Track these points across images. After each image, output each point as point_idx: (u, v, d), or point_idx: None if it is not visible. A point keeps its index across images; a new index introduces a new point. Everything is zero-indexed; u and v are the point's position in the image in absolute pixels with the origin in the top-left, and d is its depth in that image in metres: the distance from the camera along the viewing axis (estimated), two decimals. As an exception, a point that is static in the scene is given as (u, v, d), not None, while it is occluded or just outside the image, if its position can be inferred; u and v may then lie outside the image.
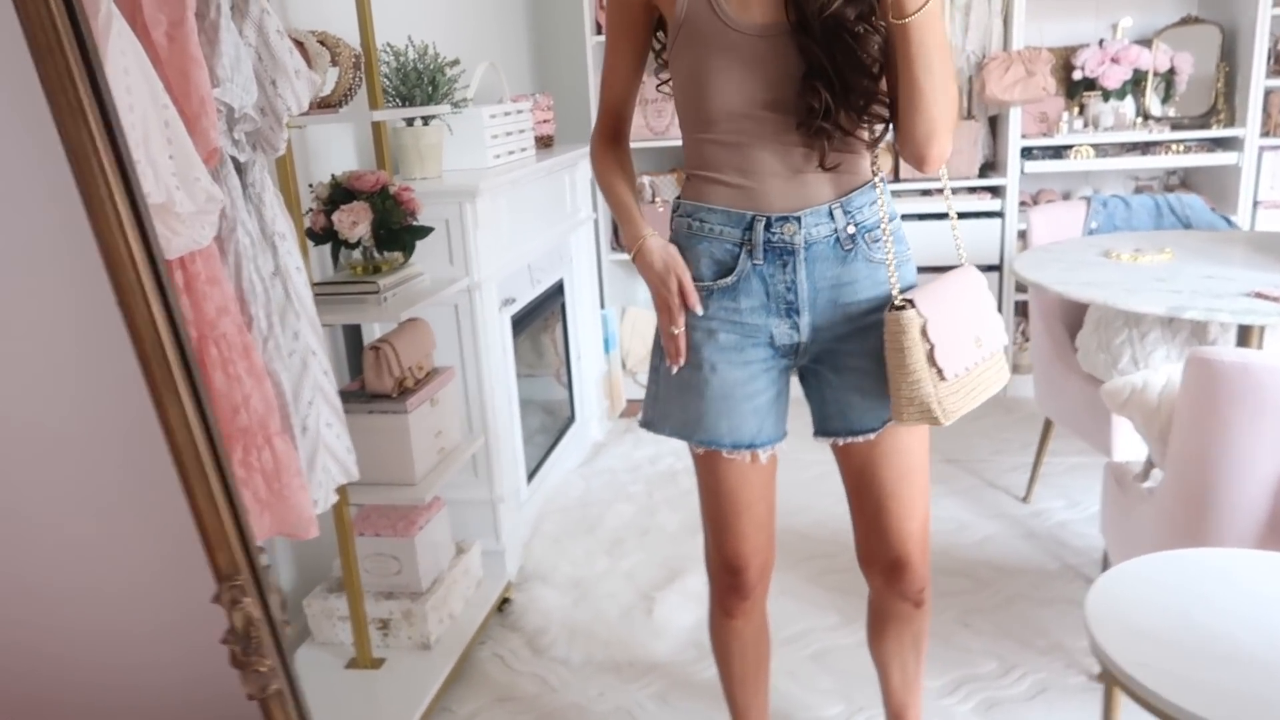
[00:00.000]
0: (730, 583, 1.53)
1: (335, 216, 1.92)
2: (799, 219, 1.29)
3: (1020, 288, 3.64)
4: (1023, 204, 3.63)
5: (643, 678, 2.15)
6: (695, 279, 1.36)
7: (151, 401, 0.63)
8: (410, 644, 2.15)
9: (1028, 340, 3.74)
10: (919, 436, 1.40)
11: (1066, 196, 3.79)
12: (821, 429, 1.43)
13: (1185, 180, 3.77)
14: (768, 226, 1.30)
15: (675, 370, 1.40)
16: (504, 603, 2.45)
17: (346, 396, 2.02)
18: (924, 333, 1.25)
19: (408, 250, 2.03)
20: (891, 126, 1.28)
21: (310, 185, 2.00)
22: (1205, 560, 1.24)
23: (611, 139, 1.48)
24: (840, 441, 1.42)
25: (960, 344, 1.29)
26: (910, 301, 1.26)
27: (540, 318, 3.11)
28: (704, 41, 1.27)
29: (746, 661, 1.64)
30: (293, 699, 0.76)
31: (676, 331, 1.36)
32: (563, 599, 2.45)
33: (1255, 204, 3.41)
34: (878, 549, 1.48)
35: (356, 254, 2.02)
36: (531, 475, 2.92)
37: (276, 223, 1.58)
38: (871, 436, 1.38)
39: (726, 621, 1.60)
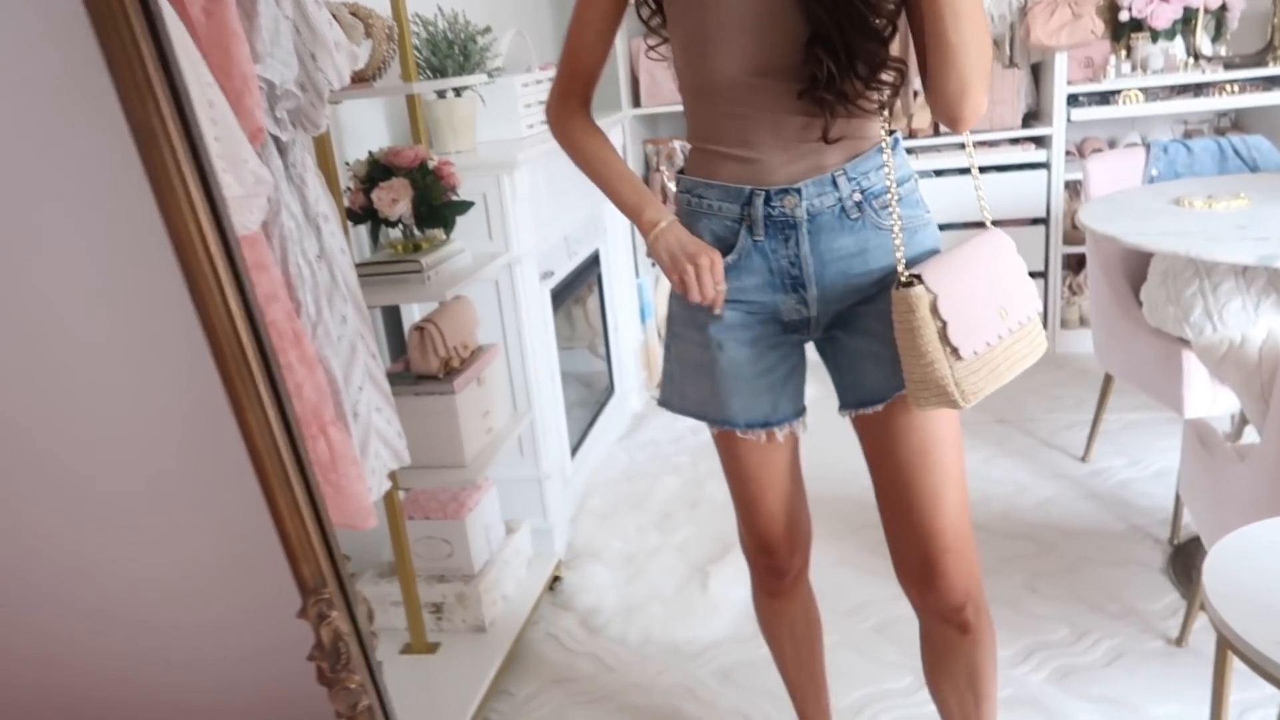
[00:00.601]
0: (765, 564, 1.49)
1: (375, 194, 1.86)
2: (799, 190, 1.20)
3: (1069, 239, 3.54)
4: (1067, 154, 3.51)
5: (702, 654, 2.11)
6: None
7: (229, 404, 0.57)
8: (465, 627, 2.11)
9: (1075, 294, 3.64)
10: (942, 415, 1.26)
11: (1113, 145, 3.66)
12: (841, 400, 1.32)
13: (1237, 122, 3.63)
14: (767, 200, 1.21)
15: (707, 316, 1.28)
16: (555, 581, 2.41)
17: (392, 379, 1.97)
18: (934, 309, 1.14)
19: (449, 227, 1.97)
20: (922, 81, 1.17)
21: (347, 163, 1.94)
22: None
23: (579, 106, 1.35)
24: (854, 413, 1.30)
25: (980, 317, 1.18)
26: (918, 277, 1.15)
27: (576, 290, 3.04)
28: (702, 4, 1.18)
29: (797, 641, 1.59)
30: (383, 714, 0.71)
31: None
32: (615, 576, 2.41)
33: (1314, 144, 3.27)
34: (903, 550, 1.33)
35: (396, 232, 1.97)
36: (575, 450, 2.88)
37: (320, 204, 1.53)
38: (880, 408, 1.26)
39: (769, 602, 1.55)
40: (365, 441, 1.60)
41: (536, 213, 2.43)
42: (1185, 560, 2.19)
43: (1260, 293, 1.99)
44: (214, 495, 0.63)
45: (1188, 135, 3.61)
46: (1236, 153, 2.44)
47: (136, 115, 0.51)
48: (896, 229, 1.21)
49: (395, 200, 1.85)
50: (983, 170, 3.45)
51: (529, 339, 2.36)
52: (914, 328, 1.14)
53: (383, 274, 1.89)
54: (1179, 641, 1.95)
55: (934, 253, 1.26)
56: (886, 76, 1.15)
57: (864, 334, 1.26)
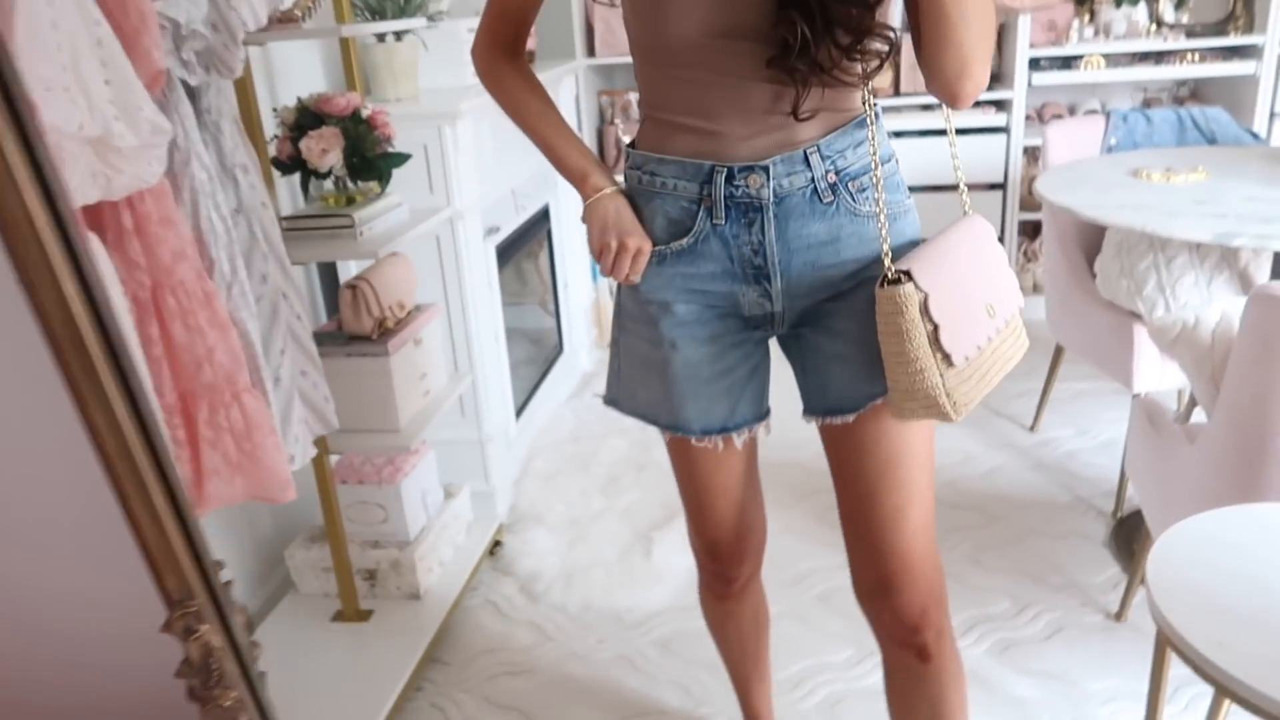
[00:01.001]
0: (714, 568, 1.40)
1: (303, 144, 1.75)
2: (766, 168, 1.06)
3: (1026, 206, 3.51)
4: (1027, 119, 3.47)
5: (643, 623, 2.07)
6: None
7: (73, 401, 0.50)
8: (399, 594, 2.05)
9: (1029, 261, 3.62)
10: (914, 425, 1.14)
11: (1073, 110, 3.62)
12: (805, 405, 1.20)
13: (1196, 92, 3.61)
14: (729, 179, 1.07)
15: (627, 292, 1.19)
16: (495, 546, 2.35)
17: (322, 339, 1.88)
18: (925, 310, 1.01)
19: (384, 180, 1.87)
20: (916, 55, 1.03)
21: (275, 109, 1.82)
22: (1271, 517, 1.14)
23: (510, 51, 1.21)
24: (820, 421, 1.18)
25: (970, 318, 1.06)
26: (906, 273, 1.02)
27: (526, 245, 2.95)
28: None
29: (743, 640, 1.53)
30: (268, 728, 0.65)
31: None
32: (557, 541, 2.36)
33: (1272, 116, 3.26)
34: (860, 565, 1.21)
35: (328, 185, 1.86)
36: (520, 410, 2.81)
37: (237, 154, 1.43)
38: (850, 418, 1.14)
39: (716, 604, 1.48)
40: (288, 408, 1.52)
41: (481, 165, 2.33)
42: (1128, 534, 2.20)
43: (1213, 268, 1.97)
44: (72, 500, 0.56)
45: (1147, 104, 3.59)
46: (1195, 124, 2.41)
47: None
48: (881, 216, 1.08)
49: (325, 150, 1.75)
50: (942, 133, 3.39)
51: (471, 298, 2.28)
52: (902, 330, 1.01)
53: (312, 229, 1.79)
54: (1118, 616, 1.96)
55: (915, 243, 1.13)
56: (873, 45, 0.99)
57: (833, 334, 1.13)
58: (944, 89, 1.01)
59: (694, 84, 1.06)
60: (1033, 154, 3.50)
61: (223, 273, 1.34)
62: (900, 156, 1.18)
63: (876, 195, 1.09)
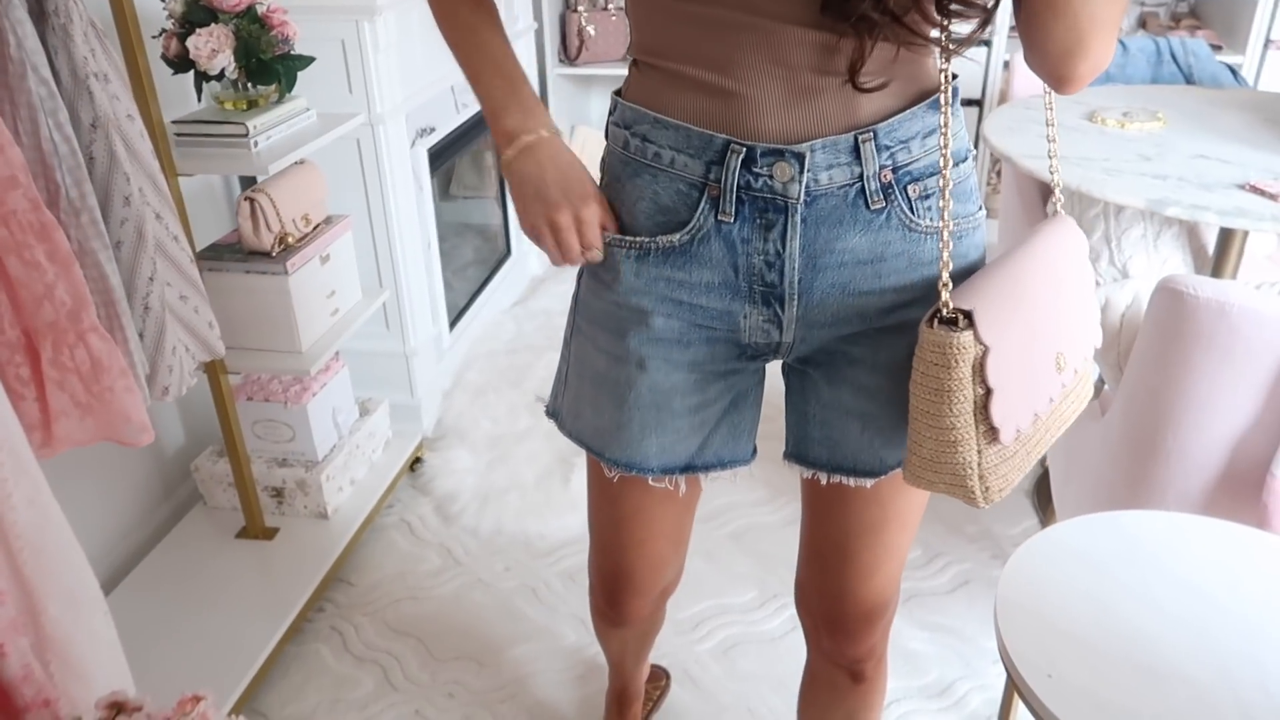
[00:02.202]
0: (613, 600, 1.15)
1: (190, 42, 1.61)
2: (800, 156, 0.79)
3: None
4: (1011, 29, 3.28)
5: (552, 553, 2.05)
6: (626, 229, 0.89)
7: None
8: (307, 513, 2.03)
9: (994, 191, 3.50)
10: (917, 491, 0.95)
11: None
12: (796, 452, 0.97)
13: (1195, 10, 3.41)
14: (748, 163, 0.81)
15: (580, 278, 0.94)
16: (416, 463, 2.32)
17: (221, 252, 1.79)
18: (979, 369, 0.77)
19: (284, 84, 1.73)
20: (1018, 26, 0.76)
21: (163, 1, 1.68)
22: (1143, 527, 1.09)
23: None
24: (817, 477, 0.96)
25: (1034, 380, 0.82)
26: (968, 314, 0.77)
27: (475, 140, 2.81)
28: None
29: (627, 654, 1.40)
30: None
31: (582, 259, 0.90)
32: (477, 460, 2.32)
33: (1267, 43, 3.08)
34: (811, 594, 1.07)
35: (225, 88, 1.73)
36: (460, 315, 2.73)
37: (92, 62, 1.30)
38: (868, 484, 0.94)
39: (607, 628, 1.28)
40: (160, 337, 1.45)
41: (410, 63, 2.19)
42: (1048, 486, 2.17)
43: (1163, 222, 1.88)
44: None
45: (1143, 23, 3.39)
46: (1174, 57, 2.26)
47: None
48: (945, 234, 0.81)
49: (215, 51, 1.61)
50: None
51: (394, 207, 2.17)
52: (944, 389, 0.77)
53: (203, 135, 1.67)
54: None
55: (976, 268, 0.88)
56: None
57: (857, 389, 0.90)
58: (1048, 67, 0.75)
59: (712, 23, 0.79)
60: (1002, 90, 3.33)
61: (69, 199, 1.24)
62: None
63: (943, 205, 0.82)
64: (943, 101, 0.80)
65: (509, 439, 2.40)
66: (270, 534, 1.98)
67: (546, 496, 2.20)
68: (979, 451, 0.79)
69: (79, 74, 1.29)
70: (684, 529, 1.12)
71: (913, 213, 0.83)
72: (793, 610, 1.84)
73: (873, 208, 0.82)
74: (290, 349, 1.83)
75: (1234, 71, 2.30)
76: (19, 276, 1.17)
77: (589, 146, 3.71)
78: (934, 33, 0.77)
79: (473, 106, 2.71)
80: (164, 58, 1.66)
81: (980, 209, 0.89)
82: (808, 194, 0.81)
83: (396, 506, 2.21)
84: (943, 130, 0.81)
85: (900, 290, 0.85)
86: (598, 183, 0.92)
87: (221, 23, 1.63)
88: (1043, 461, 2.25)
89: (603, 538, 1.11)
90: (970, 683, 1.71)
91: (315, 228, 1.88)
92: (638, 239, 0.87)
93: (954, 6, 0.74)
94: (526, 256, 3.30)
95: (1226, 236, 1.59)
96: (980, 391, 0.77)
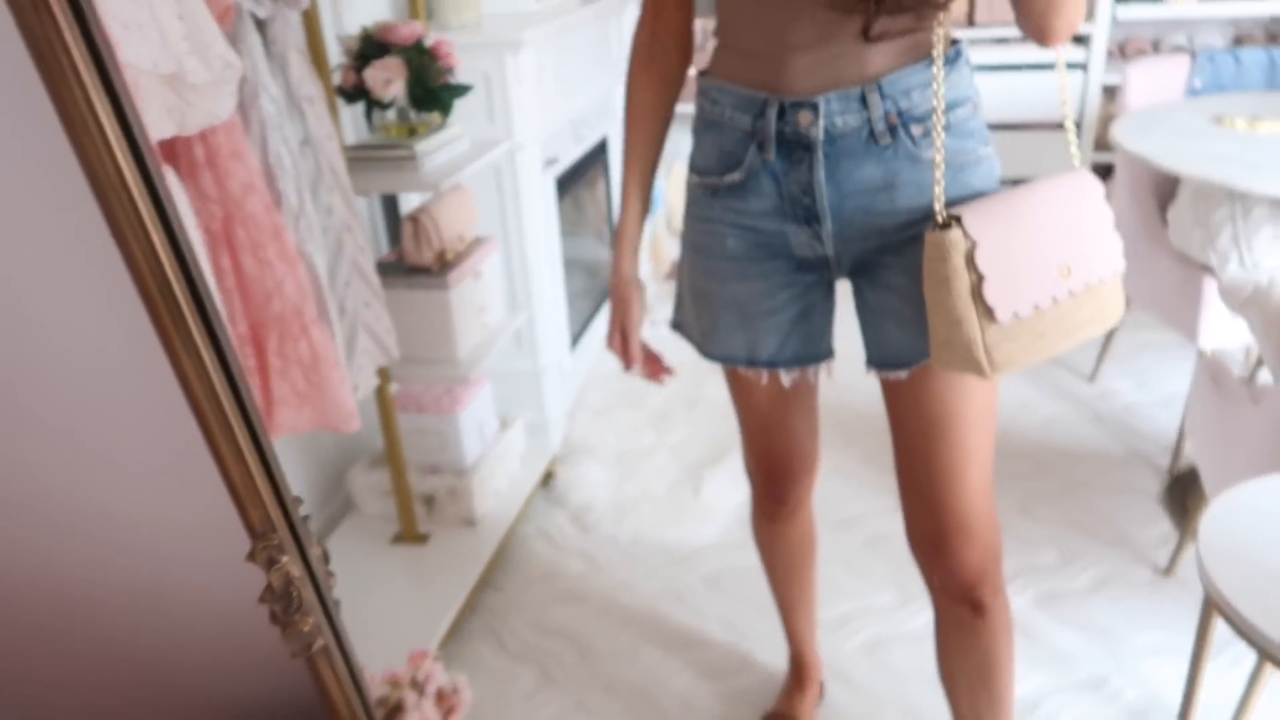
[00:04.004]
0: (767, 489, 1.45)
1: (367, 73, 1.75)
2: (815, 105, 1.02)
3: (1100, 146, 3.39)
4: (1108, 54, 3.33)
5: (691, 559, 2.11)
6: (703, 171, 1.15)
7: (164, 348, 0.52)
8: (455, 520, 2.11)
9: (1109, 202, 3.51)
10: (973, 384, 1.10)
11: (1157, 47, 3.47)
12: (868, 357, 1.18)
13: (1291, 29, 3.42)
14: (781, 113, 1.04)
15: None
16: (548, 478, 2.40)
17: (384, 269, 1.92)
18: (970, 260, 0.97)
19: (446, 110, 1.87)
20: None
21: (339, 39, 1.82)
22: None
23: (649, 42, 1.19)
24: (878, 375, 1.17)
25: (1031, 274, 1.00)
26: (956, 219, 0.98)
27: (583, 176, 2.94)
28: None
29: (791, 563, 1.57)
30: (341, 654, 0.69)
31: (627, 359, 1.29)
32: (608, 474, 2.40)
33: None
34: (915, 520, 1.21)
35: (391, 115, 1.87)
36: (575, 343, 2.83)
37: (304, 85, 1.44)
38: (904, 374, 1.12)
39: (768, 525, 1.52)
40: (352, 338, 1.56)
41: (542, 96, 2.32)
42: (1181, 491, 2.17)
43: (1295, 221, 1.90)
44: (157, 437, 0.59)
45: (1238, 42, 3.42)
46: (1288, 66, 2.29)
47: (32, 31, 0.44)
48: (938, 159, 1.01)
49: (389, 80, 1.75)
50: (1015, 69, 3.28)
51: (530, 231, 2.29)
52: (944, 278, 0.97)
53: (375, 158, 1.80)
54: (1167, 572, 1.95)
55: (983, 195, 1.07)
56: None
57: (888, 289, 1.10)
58: (1033, 24, 0.95)
59: (767, 7, 1.03)
60: (1110, 92, 3.37)
61: (290, 206, 1.37)
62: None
63: (937, 138, 1.02)
64: (938, 59, 1.01)
65: (635, 454, 2.48)
66: (423, 539, 2.07)
67: (679, 506, 2.26)
68: (981, 329, 0.98)
69: (293, 96, 1.42)
70: (807, 407, 1.36)
71: (916, 146, 1.04)
72: (937, 608, 1.88)
73: (881, 144, 1.04)
74: (448, 359, 1.93)
75: (1348, 79, 2.32)
76: (252, 273, 1.29)
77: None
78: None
79: (588, 140, 2.85)
80: (339, 89, 1.80)
81: (987, 145, 1.08)
82: (828, 135, 1.04)
83: (533, 518, 2.29)
84: (938, 79, 1.01)
85: (912, 210, 1.05)
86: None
87: (394, 55, 1.77)
88: (1172, 467, 2.25)
89: (744, 419, 1.37)
90: (1123, 678, 1.71)
91: (468, 246, 2.00)
92: (710, 178, 1.14)
93: None
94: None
95: (1373, 224, 1.62)
96: (974, 278, 0.97)
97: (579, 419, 2.64)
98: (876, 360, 1.15)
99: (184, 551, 0.65)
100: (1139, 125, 1.96)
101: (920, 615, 1.90)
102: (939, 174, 1.02)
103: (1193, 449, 1.70)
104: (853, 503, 2.24)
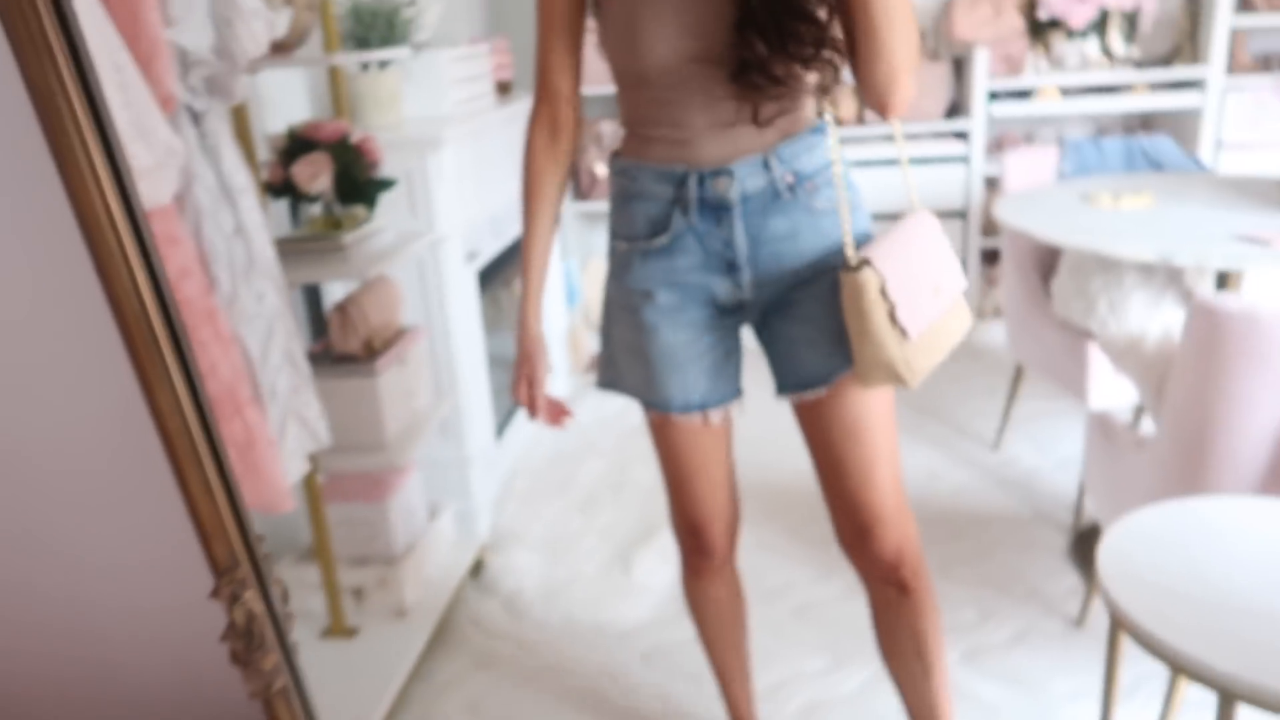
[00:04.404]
0: (694, 544, 1.51)
1: (294, 169, 1.81)
2: (731, 172, 1.21)
3: (986, 231, 3.64)
4: (986, 148, 3.61)
5: (625, 637, 2.12)
6: (631, 238, 1.30)
7: (139, 383, 0.55)
8: (385, 611, 2.09)
9: (991, 285, 3.75)
10: (874, 394, 1.29)
11: (1029, 140, 3.77)
12: (778, 384, 1.35)
13: (1147, 123, 3.77)
14: (700, 182, 1.22)
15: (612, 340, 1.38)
16: (478, 566, 2.40)
17: (312, 360, 1.93)
18: (883, 292, 1.16)
19: (371, 204, 1.93)
20: (851, 70, 1.17)
21: (266, 138, 1.88)
22: (1210, 509, 1.23)
23: (549, 130, 1.32)
24: (794, 396, 1.33)
25: (921, 298, 1.21)
26: (867, 260, 1.16)
27: (504, 272, 3.02)
28: None
29: (722, 621, 1.62)
30: (299, 695, 0.70)
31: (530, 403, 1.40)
32: (538, 560, 2.40)
33: (1219, 145, 3.42)
34: (839, 518, 1.38)
35: (316, 209, 1.92)
36: (499, 433, 2.86)
37: (236, 176, 1.48)
38: (823, 391, 1.29)
39: (696, 582, 1.58)
40: (283, 422, 1.57)
41: (462, 192, 2.40)
42: (1086, 545, 2.29)
43: (1161, 287, 2.08)
44: (127, 474, 0.61)
45: (1102, 134, 3.74)
46: (1143, 152, 2.54)
47: (35, 78, 0.48)
48: (843, 210, 1.22)
49: (316, 175, 1.81)
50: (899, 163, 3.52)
51: (453, 320, 2.34)
52: (864, 311, 1.15)
53: (302, 250, 1.85)
54: (1079, 622, 2.04)
55: (868, 235, 1.29)
56: (826, 55, 1.16)
57: (800, 320, 1.27)
58: (876, 98, 1.15)
59: (669, 103, 1.21)
60: (992, 183, 3.64)
61: (224, 291, 1.40)
62: (864, 184, 1.33)
63: (836, 193, 1.24)
64: (824, 129, 1.24)
65: (564, 539, 2.49)
66: (352, 633, 2.03)
67: (611, 586, 2.28)
68: (900, 347, 1.17)
69: (225, 186, 1.46)
70: (726, 455, 1.45)
71: (810, 199, 1.24)
72: (870, 671, 1.92)
73: (784, 200, 1.23)
74: (378, 444, 1.95)
75: (1197, 162, 2.58)
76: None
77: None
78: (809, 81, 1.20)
79: (507, 235, 2.93)
80: (266, 184, 1.85)
81: (859, 195, 1.29)
82: (742, 196, 1.22)
83: (463, 606, 2.27)
84: (821, 146, 1.23)
85: (814, 251, 1.25)
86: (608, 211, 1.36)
87: (320, 151, 1.83)
88: (1076, 522, 2.37)
89: (671, 473, 1.44)
90: (1047, 725, 1.78)
91: (395, 334, 2.04)
92: (639, 243, 1.28)
93: (808, 67, 1.16)
94: (553, 378, 3.45)
95: (1224, 283, 1.79)
96: (888, 306, 1.16)
97: (507, 506, 2.65)
98: (795, 384, 1.31)
99: (145, 590, 0.66)
100: (1018, 205, 2.15)
101: (856, 676, 1.94)
102: (846, 225, 1.22)
103: (1091, 499, 1.82)
104: (778, 573, 2.29)
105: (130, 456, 0.60)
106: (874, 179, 3.37)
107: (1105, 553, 1.16)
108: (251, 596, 0.63)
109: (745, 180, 1.21)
